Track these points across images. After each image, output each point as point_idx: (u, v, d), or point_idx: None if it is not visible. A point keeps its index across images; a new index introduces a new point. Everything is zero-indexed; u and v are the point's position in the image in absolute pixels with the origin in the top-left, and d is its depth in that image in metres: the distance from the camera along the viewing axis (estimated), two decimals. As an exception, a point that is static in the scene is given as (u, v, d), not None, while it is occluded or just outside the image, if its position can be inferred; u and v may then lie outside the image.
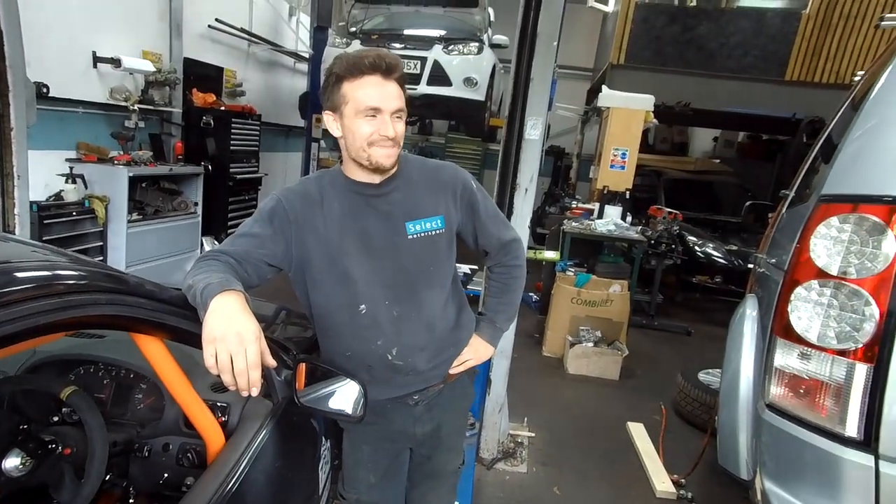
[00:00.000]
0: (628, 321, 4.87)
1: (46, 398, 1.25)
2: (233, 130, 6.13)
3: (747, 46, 7.24)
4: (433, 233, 1.45)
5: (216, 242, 5.72)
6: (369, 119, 1.31)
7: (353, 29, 6.72)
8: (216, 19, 6.58)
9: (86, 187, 4.68)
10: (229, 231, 6.07)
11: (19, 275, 0.82)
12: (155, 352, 1.09)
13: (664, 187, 7.55)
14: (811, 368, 1.35)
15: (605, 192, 6.00)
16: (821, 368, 1.33)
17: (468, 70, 5.91)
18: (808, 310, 1.37)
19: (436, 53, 5.92)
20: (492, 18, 6.88)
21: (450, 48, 6.02)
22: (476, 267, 4.57)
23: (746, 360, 1.77)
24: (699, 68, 7.42)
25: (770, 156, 9.62)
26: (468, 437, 3.01)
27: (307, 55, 8.52)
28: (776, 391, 1.42)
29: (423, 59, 5.93)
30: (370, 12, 6.98)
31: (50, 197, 4.52)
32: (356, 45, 6.19)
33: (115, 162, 4.87)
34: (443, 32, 6.52)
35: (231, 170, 6.15)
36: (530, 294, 6.29)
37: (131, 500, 1.30)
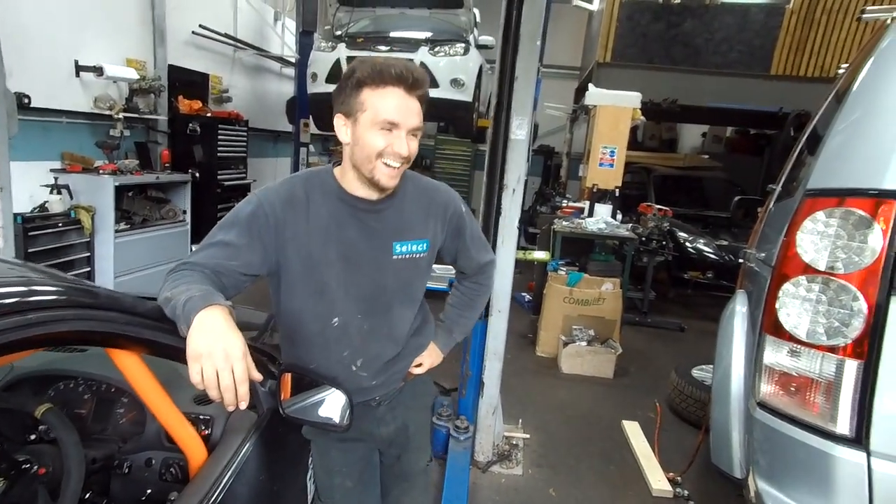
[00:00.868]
0: (621, 319, 4.86)
1: (22, 416, 1.22)
2: (220, 137, 6.08)
3: (732, 42, 7.27)
4: (417, 255, 1.44)
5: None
6: (384, 132, 1.26)
7: (339, 32, 6.69)
8: (200, 25, 6.54)
9: (71, 198, 4.62)
10: (218, 239, 6.03)
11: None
12: (131, 366, 1.06)
13: (654, 184, 7.56)
14: (801, 366, 1.34)
15: (595, 190, 5.99)
16: (811, 365, 1.32)
17: (455, 71, 5.89)
18: (796, 306, 1.35)
19: (422, 55, 5.90)
20: (477, 19, 6.87)
21: (436, 50, 6.00)
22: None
23: (737, 358, 1.76)
24: (685, 65, 7.45)
25: (758, 150, 9.66)
26: (462, 441, 3.00)
27: (293, 60, 8.48)
28: (767, 389, 1.41)
29: (410, 62, 5.90)
30: (355, 15, 6.96)
31: (35, 209, 4.46)
32: (342, 49, 6.17)
33: (101, 171, 4.81)
34: (429, 34, 6.50)
35: (219, 176, 6.11)
36: (523, 294, 6.27)
37: (112, 518, 1.27)
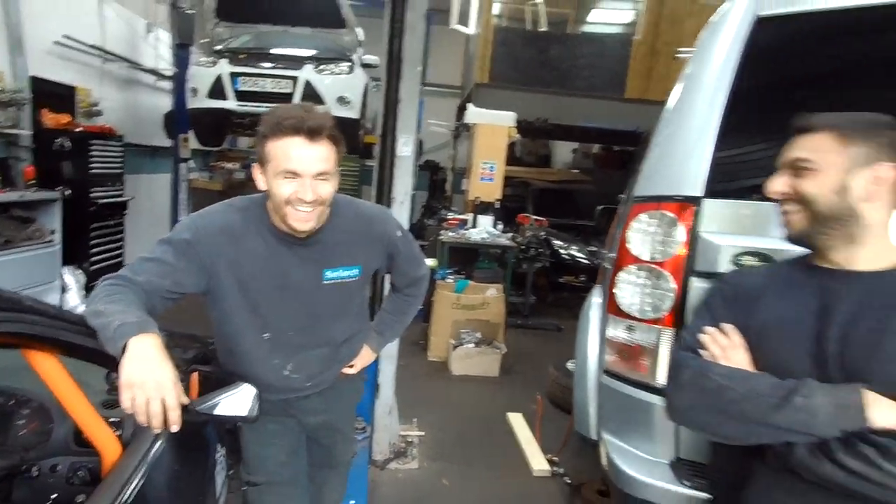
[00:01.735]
0: (505, 321, 5.25)
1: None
2: (92, 152, 5.73)
3: (592, 68, 8.10)
4: (348, 280, 1.55)
5: (79, 272, 5.31)
6: (288, 180, 1.32)
7: (219, 47, 6.59)
8: (64, 35, 6.13)
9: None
10: (93, 259, 5.65)
11: None
12: (49, 368, 1.12)
13: (532, 196, 8.17)
14: (635, 337, 1.67)
15: (478, 202, 6.39)
16: (641, 336, 1.65)
17: (341, 89, 6.04)
18: (629, 289, 1.68)
19: (307, 73, 5.99)
20: (361, 38, 7.07)
21: (321, 68, 6.12)
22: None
23: (593, 341, 2.06)
24: (554, 87, 8.15)
25: (622, 165, 10.70)
26: (360, 441, 3.14)
27: (169, 73, 8.15)
28: (610, 358, 1.73)
29: (295, 79, 5.98)
30: (236, 31, 6.89)
31: None
32: (223, 64, 6.09)
33: (-46, 191, 4.39)
34: (313, 52, 6.60)
35: (92, 194, 5.74)
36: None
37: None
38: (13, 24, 5.34)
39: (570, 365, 4.40)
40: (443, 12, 8.13)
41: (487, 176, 6.38)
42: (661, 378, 1.55)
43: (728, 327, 1.19)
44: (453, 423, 3.89)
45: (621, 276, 1.69)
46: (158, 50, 8.39)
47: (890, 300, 1.06)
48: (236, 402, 1.41)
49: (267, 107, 5.78)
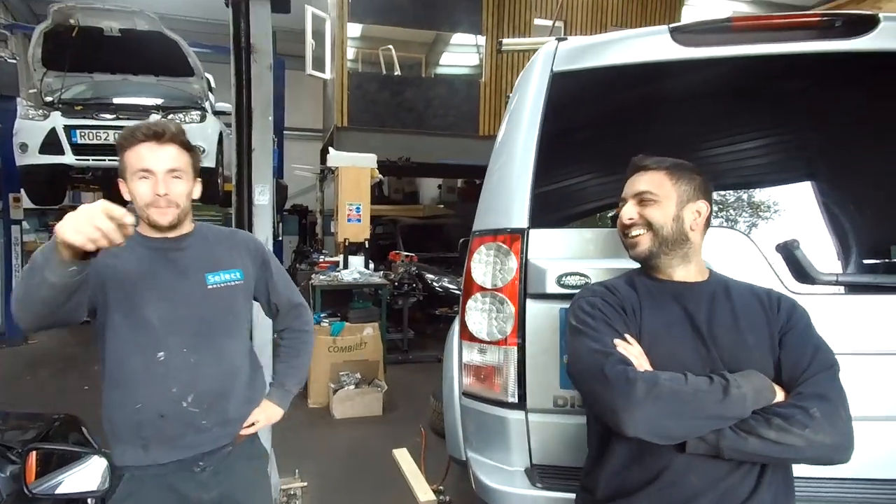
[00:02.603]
0: (383, 359, 5.29)
1: None
2: None
3: (447, 108, 8.59)
4: (232, 283, 1.62)
5: None
6: (144, 180, 1.46)
7: (50, 98, 6.11)
8: None
9: None
10: None
11: None
12: None
13: (401, 233, 8.38)
14: (485, 358, 1.83)
15: (347, 244, 6.44)
16: (491, 357, 1.81)
17: (193, 138, 5.76)
18: (477, 315, 1.85)
19: (154, 123, 5.73)
20: (212, 85, 6.91)
21: (170, 117, 5.89)
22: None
23: (456, 366, 2.20)
24: (413, 127, 8.51)
25: (483, 197, 11.34)
26: None
27: (-9, 128, 7.36)
28: (467, 381, 1.88)
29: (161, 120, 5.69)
30: (68, 81, 6.43)
31: None
32: (56, 117, 5.65)
33: None
34: (160, 101, 6.34)
35: None
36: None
37: None
38: None
39: (448, 393, 4.55)
40: (299, 58, 8.22)
41: (354, 217, 6.46)
42: (513, 394, 1.71)
43: (628, 337, 1.31)
44: (338, 469, 3.84)
45: (469, 303, 1.86)
46: (-24, 103, 7.55)
47: (726, 304, 1.32)
48: (83, 477, 1.35)
49: (111, 160, 5.44)
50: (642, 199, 1.37)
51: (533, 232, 1.76)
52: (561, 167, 1.85)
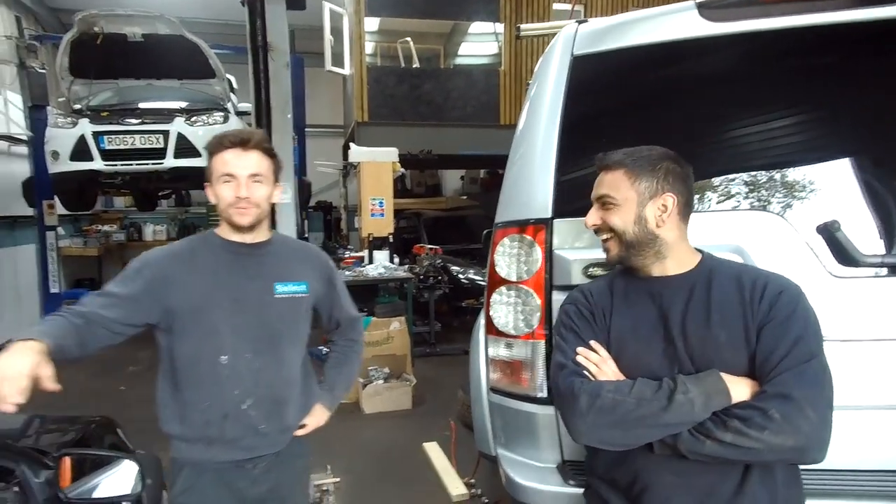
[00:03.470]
0: (411, 353, 5.29)
1: None
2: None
3: (466, 98, 8.49)
4: (298, 295, 1.68)
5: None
6: (227, 183, 1.54)
7: (78, 106, 6.24)
8: None
9: None
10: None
11: None
12: None
13: (424, 226, 8.35)
14: (513, 353, 1.79)
15: (371, 239, 6.44)
16: (518, 352, 1.77)
17: (217, 140, 5.89)
18: (503, 309, 1.81)
19: (179, 126, 5.82)
20: (234, 86, 6.97)
21: (193, 119, 5.96)
22: None
23: (483, 360, 2.17)
24: (432, 120, 8.44)
25: (506, 187, 11.24)
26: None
27: (25, 137, 7.57)
28: (494, 376, 1.84)
29: (166, 133, 5.79)
30: (94, 88, 6.56)
31: None
32: (84, 124, 5.77)
33: None
34: (184, 104, 6.42)
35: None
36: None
37: None
38: None
39: (476, 386, 4.52)
40: (318, 55, 8.23)
41: (378, 212, 6.46)
42: (542, 389, 1.67)
43: (594, 344, 1.30)
44: (369, 464, 3.85)
45: (494, 297, 1.82)
46: (10, 114, 7.77)
47: (702, 297, 1.25)
48: (116, 481, 1.36)
49: (139, 164, 5.54)
50: (604, 203, 1.32)
51: (557, 222, 1.71)
52: (584, 154, 1.79)
